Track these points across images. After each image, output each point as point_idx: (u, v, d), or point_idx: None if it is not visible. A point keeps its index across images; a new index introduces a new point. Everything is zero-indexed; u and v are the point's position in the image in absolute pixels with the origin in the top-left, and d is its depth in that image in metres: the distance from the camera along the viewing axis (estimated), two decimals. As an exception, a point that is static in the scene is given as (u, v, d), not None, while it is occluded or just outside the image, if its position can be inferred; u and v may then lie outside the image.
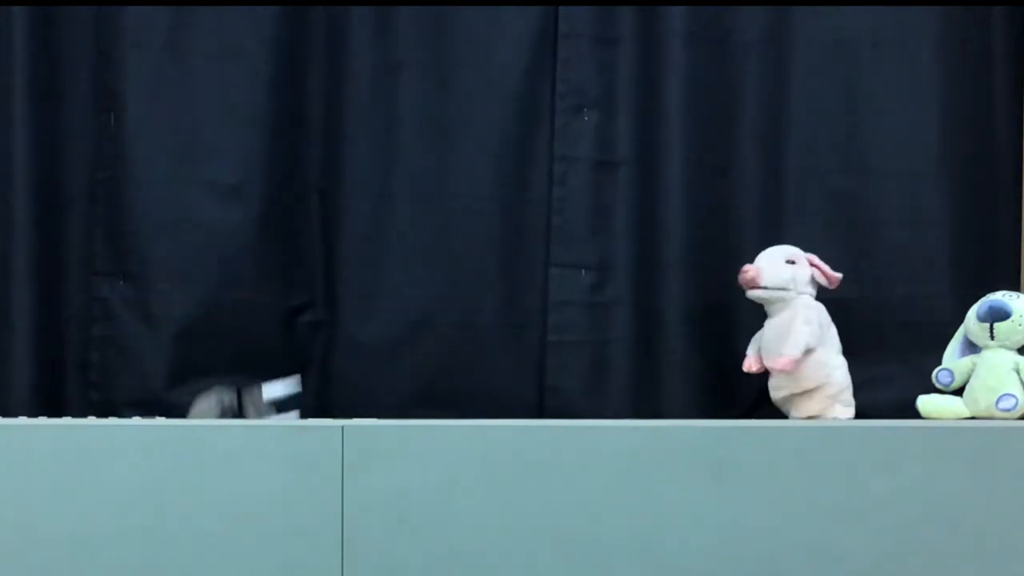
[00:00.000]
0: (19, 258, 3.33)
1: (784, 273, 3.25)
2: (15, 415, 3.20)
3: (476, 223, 3.48)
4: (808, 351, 3.22)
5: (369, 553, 2.82)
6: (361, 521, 2.82)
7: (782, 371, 3.22)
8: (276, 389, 3.21)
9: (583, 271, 3.49)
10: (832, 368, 3.25)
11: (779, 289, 3.25)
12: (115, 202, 3.37)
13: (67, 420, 3.07)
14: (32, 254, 3.34)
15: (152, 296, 3.37)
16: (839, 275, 3.28)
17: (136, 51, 3.35)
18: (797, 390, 3.26)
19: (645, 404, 3.47)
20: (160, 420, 3.12)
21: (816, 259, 3.27)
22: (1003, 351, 3.16)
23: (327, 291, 3.46)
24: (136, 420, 3.14)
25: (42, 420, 3.06)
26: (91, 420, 3.13)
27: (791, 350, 3.20)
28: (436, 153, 3.47)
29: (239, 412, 3.19)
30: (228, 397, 3.20)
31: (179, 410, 3.32)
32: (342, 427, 2.83)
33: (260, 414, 3.19)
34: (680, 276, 3.46)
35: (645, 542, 2.86)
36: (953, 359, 3.26)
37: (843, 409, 3.26)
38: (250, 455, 2.80)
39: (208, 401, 3.20)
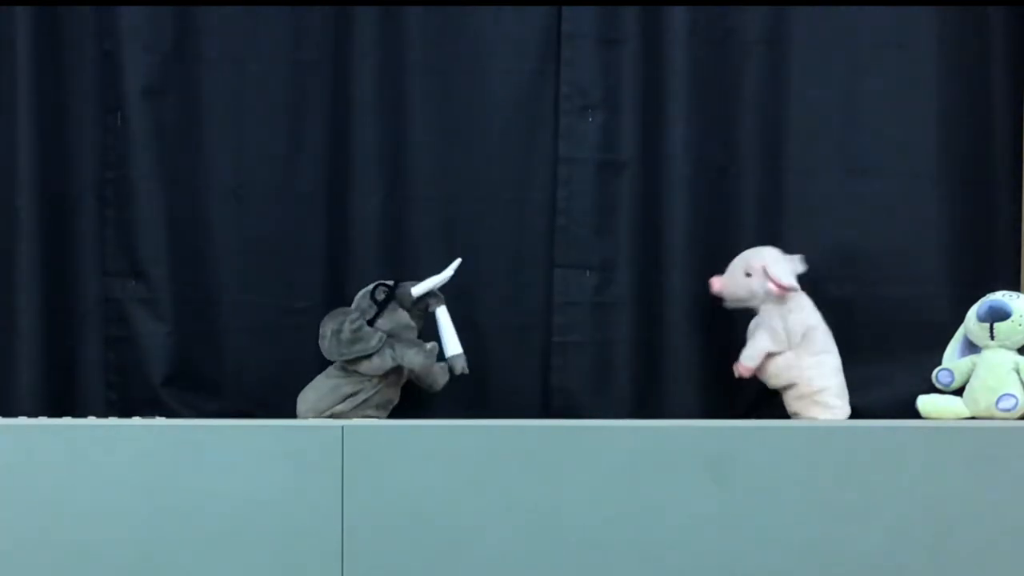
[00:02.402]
0: (27, 258, 3.35)
1: (740, 286, 3.31)
2: (27, 414, 3.21)
3: (481, 224, 3.49)
4: (772, 354, 3.28)
5: (369, 553, 2.83)
6: (361, 521, 2.83)
7: (738, 377, 3.32)
8: (423, 285, 3.26)
9: (587, 272, 3.49)
10: (801, 369, 3.26)
11: (740, 301, 3.32)
12: (124, 202, 3.38)
13: (67, 420, 3.08)
14: (40, 253, 3.36)
15: (164, 296, 3.39)
16: (789, 283, 3.26)
17: (143, 52, 3.36)
18: (776, 385, 3.32)
19: (648, 403, 3.47)
20: (160, 420, 3.13)
21: (770, 267, 3.27)
22: (1003, 351, 3.16)
23: (333, 292, 3.46)
24: (136, 420, 3.15)
25: (43, 420, 3.08)
26: (91, 420, 3.15)
27: (747, 360, 3.30)
28: (441, 155, 3.48)
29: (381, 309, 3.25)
30: (380, 291, 3.25)
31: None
32: (342, 427, 2.85)
33: (408, 309, 3.27)
34: (683, 276, 3.46)
35: (647, 540, 2.86)
36: (953, 359, 3.27)
37: (822, 411, 3.26)
38: (250, 455, 2.82)
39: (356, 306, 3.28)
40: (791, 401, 3.28)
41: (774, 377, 3.29)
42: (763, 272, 3.27)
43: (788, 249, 3.33)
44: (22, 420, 3.05)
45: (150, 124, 3.38)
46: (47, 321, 3.36)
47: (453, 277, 3.29)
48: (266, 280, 3.46)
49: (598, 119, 3.48)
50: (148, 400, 3.34)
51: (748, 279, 3.28)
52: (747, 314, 3.34)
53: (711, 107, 3.49)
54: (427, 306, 3.27)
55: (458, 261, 3.29)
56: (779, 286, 3.25)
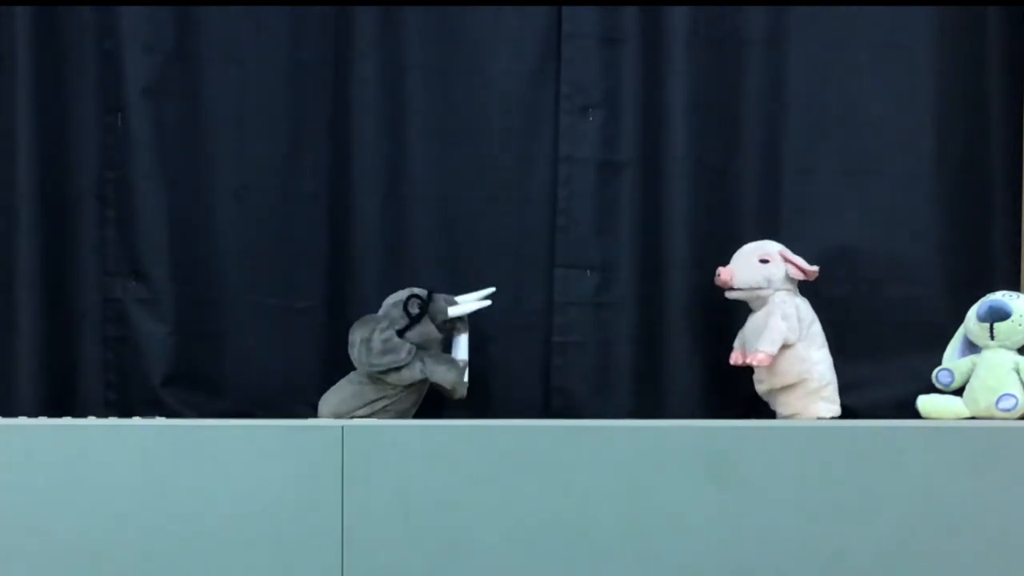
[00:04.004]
0: (27, 258, 3.35)
1: (757, 273, 3.29)
2: (27, 414, 3.21)
3: (481, 224, 3.49)
4: (785, 346, 3.25)
5: (369, 553, 2.83)
6: (361, 521, 2.83)
7: (758, 366, 3.26)
8: (461, 307, 3.28)
9: (588, 271, 3.49)
10: (812, 363, 3.27)
11: (754, 289, 3.29)
12: (125, 202, 3.38)
13: (67, 420, 3.07)
14: (40, 253, 3.36)
15: (164, 296, 3.39)
16: (815, 268, 3.30)
17: (143, 52, 3.36)
18: (777, 385, 3.30)
19: (648, 403, 3.48)
20: (160, 420, 3.13)
21: (789, 254, 3.30)
22: (1003, 351, 3.16)
23: (334, 292, 3.46)
24: (136, 420, 3.15)
25: (43, 420, 3.07)
26: (91, 420, 3.15)
27: (767, 345, 3.24)
28: (441, 154, 3.48)
29: (416, 317, 3.25)
30: (414, 304, 3.25)
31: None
32: (342, 427, 2.84)
33: (437, 322, 3.26)
34: (683, 276, 3.46)
35: (647, 540, 2.86)
36: (953, 359, 3.27)
37: (826, 406, 3.28)
38: (250, 455, 2.82)
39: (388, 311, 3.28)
40: (793, 400, 3.28)
41: (781, 375, 3.27)
42: (781, 258, 3.28)
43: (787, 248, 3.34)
44: (22, 420, 3.05)
45: (150, 124, 3.38)
46: (47, 321, 3.37)
47: (455, 277, 3.29)
48: (266, 280, 3.46)
49: (598, 119, 3.48)
50: (148, 400, 3.34)
51: (765, 265, 3.27)
52: (746, 313, 3.35)
53: (711, 107, 3.49)
54: (453, 327, 3.28)
55: (491, 290, 3.32)
56: (802, 269, 3.27)
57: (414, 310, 3.23)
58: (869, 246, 3.49)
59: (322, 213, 3.47)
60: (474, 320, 3.38)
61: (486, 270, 3.42)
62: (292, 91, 3.45)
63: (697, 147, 3.48)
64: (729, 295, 3.32)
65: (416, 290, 3.26)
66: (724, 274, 3.29)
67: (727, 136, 3.51)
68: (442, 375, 3.22)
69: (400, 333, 3.22)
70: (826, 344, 3.31)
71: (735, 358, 3.31)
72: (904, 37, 3.50)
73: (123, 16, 3.36)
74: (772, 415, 3.35)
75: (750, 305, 3.32)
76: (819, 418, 3.25)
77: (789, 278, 3.28)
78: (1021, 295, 3.19)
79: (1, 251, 3.35)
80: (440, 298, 3.27)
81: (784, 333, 3.23)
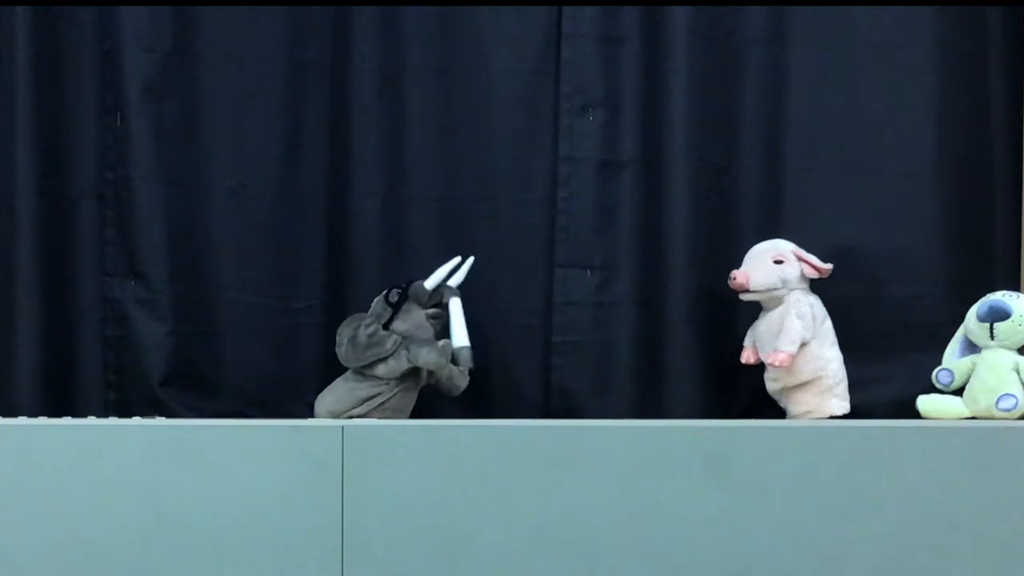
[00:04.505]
0: (26, 258, 3.35)
1: (772, 274, 3.28)
2: (27, 414, 3.21)
3: (481, 224, 3.49)
4: (802, 344, 3.25)
5: (369, 553, 2.83)
6: (361, 521, 2.83)
7: (780, 366, 3.25)
8: (435, 276, 3.27)
9: (588, 271, 3.49)
10: (826, 361, 3.28)
11: (770, 290, 3.28)
12: (125, 202, 3.38)
13: (67, 420, 3.07)
14: (39, 253, 3.36)
15: (163, 296, 3.39)
16: (829, 266, 3.30)
17: (143, 52, 3.36)
18: (792, 383, 3.29)
19: (648, 403, 3.47)
20: (160, 420, 3.13)
21: (803, 252, 3.30)
22: (1003, 351, 3.15)
23: (333, 292, 3.46)
24: (136, 420, 3.15)
25: (43, 420, 3.07)
26: (91, 420, 3.14)
27: (787, 345, 3.23)
28: (441, 154, 3.48)
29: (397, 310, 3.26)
30: (393, 294, 3.26)
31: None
32: (342, 427, 2.84)
33: (424, 306, 3.26)
34: (684, 275, 3.46)
35: (647, 540, 2.85)
36: (953, 359, 3.26)
37: (839, 403, 3.29)
38: (250, 455, 2.82)
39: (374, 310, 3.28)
40: (808, 398, 3.28)
41: (797, 373, 3.27)
42: (795, 257, 3.28)
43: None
44: (22, 420, 3.05)
45: (150, 124, 3.37)
46: (46, 321, 3.36)
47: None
48: (265, 280, 3.45)
49: (598, 118, 3.48)
50: (147, 400, 3.34)
51: (780, 265, 3.27)
52: (748, 312, 3.35)
53: (711, 106, 3.49)
54: (442, 298, 3.27)
55: (471, 260, 3.30)
56: (817, 268, 3.28)
57: (393, 299, 3.23)
58: (869, 246, 3.48)
59: (321, 213, 3.47)
60: (474, 320, 3.36)
61: (486, 270, 3.41)
62: (291, 91, 3.45)
63: (697, 147, 3.46)
64: (744, 297, 3.31)
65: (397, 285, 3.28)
66: (740, 277, 3.28)
67: (727, 136, 3.50)
68: (425, 357, 3.21)
69: (386, 326, 3.22)
70: (836, 342, 3.31)
71: (746, 356, 3.32)
72: (904, 37, 3.50)
73: (123, 16, 3.35)
74: (775, 414, 3.36)
75: (763, 305, 3.31)
76: (832, 416, 3.25)
77: (803, 277, 3.28)
78: (1021, 295, 3.19)
79: (1, 251, 3.34)
80: (420, 281, 3.27)
81: (801, 332, 3.23)
